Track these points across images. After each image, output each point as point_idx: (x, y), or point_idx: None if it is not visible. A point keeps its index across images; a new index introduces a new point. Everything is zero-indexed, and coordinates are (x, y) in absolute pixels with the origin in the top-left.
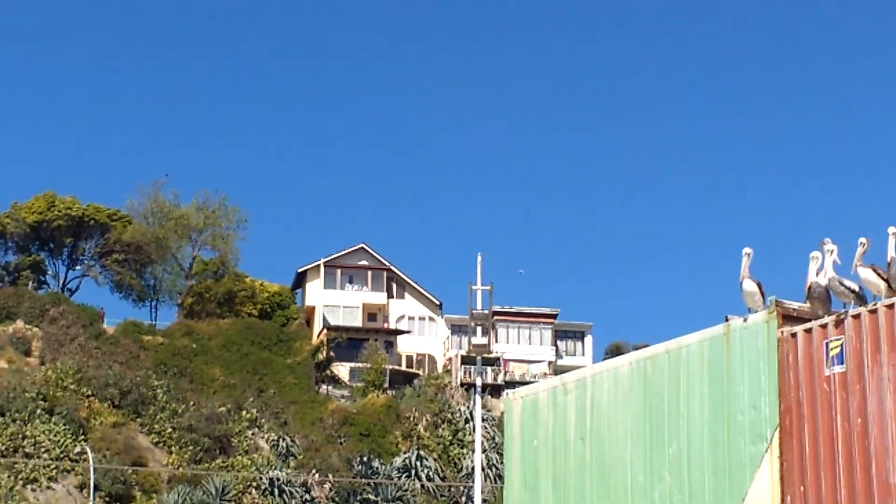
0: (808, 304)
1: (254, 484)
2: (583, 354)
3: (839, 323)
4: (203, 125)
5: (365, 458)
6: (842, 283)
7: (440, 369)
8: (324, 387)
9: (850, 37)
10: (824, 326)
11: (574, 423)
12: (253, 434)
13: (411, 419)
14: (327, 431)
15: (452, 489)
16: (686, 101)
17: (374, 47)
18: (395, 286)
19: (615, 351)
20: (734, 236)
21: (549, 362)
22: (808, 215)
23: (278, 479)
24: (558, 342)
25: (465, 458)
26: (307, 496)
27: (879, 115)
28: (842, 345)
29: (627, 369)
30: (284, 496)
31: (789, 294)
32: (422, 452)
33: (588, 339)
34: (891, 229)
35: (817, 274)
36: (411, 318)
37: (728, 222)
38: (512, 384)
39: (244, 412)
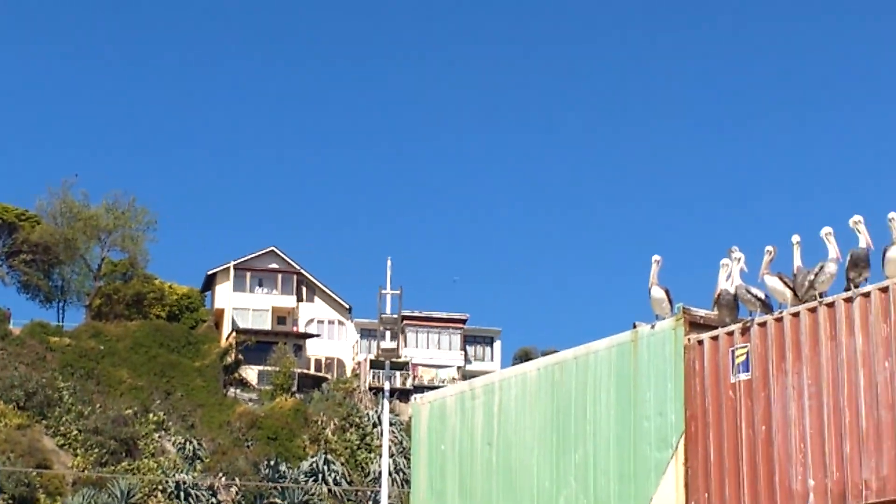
0: (715, 312)
1: (160, 487)
2: (492, 360)
3: (745, 331)
4: (113, 125)
5: (272, 462)
6: (749, 291)
7: (349, 373)
8: (232, 390)
9: (736, 49)
10: (731, 334)
11: (481, 428)
12: (159, 437)
13: (319, 423)
14: (234, 435)
15: (359, 493)
16: (592, 106)
17: (279, 45)
18: (304, 289)
19: (524, 356)
20: (644, 243)
21: (458, 367)
22: (717, 223)
23: (184, 483)
24: (467, 347)
25: (372, 463)
26: (213, 500)
27: (789, 122)
28: (747, 352)
29: (535, 375)
30: (191, 499)
31: (697, 301)
32: (329, 457)
33: (497, 345)
34: (795, 238)
35: (727, 281)
36: (321, 322)
37: (638, 229)
38: (421, 389)
39: (151, 415)
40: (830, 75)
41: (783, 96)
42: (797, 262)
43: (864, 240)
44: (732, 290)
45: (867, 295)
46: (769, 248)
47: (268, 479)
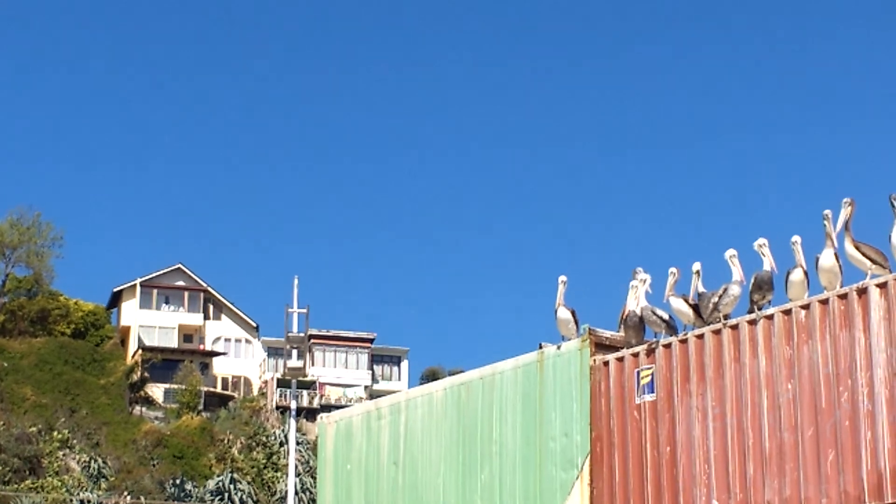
0: (621, 333)
1: None
2: (399, 379)
3: (650, 352)
4: (16, 138)
5: (178, 481)
6: (654, 313)
7: (256, 392)
8: (137, 408)
9: (623, 79)
10: (636, 355)
11: (387, 447)
12: (64, 455)
13: (226, 442)
14: (140, 453)
15: None
16: (496, 126)
17: (181, 55)
18: (211, 307)
19: (431, 376)
20: (550, 263)
21: (366, 386)
22: (624, 244)
23: (89, 502)
24: (375, 366)
25: (279, 482)
26: None
27: (691, 143)
28: (652, 374)
29: (442, 395)
30: None
31: (603, 323)
32: (235, 475)
33: (404, 364)
34: (695, 267)
35: (634, 303)
36: (227, 340)
37: (544, 249)
38: (328, 408)
39: (55, 433)
40: (728, 97)
41: (685, 117)
42: (700, 288)
43: (767, 262)
44: (638, 312)
45: (770, 317)
46: (673, 269)
47: (173, 498)
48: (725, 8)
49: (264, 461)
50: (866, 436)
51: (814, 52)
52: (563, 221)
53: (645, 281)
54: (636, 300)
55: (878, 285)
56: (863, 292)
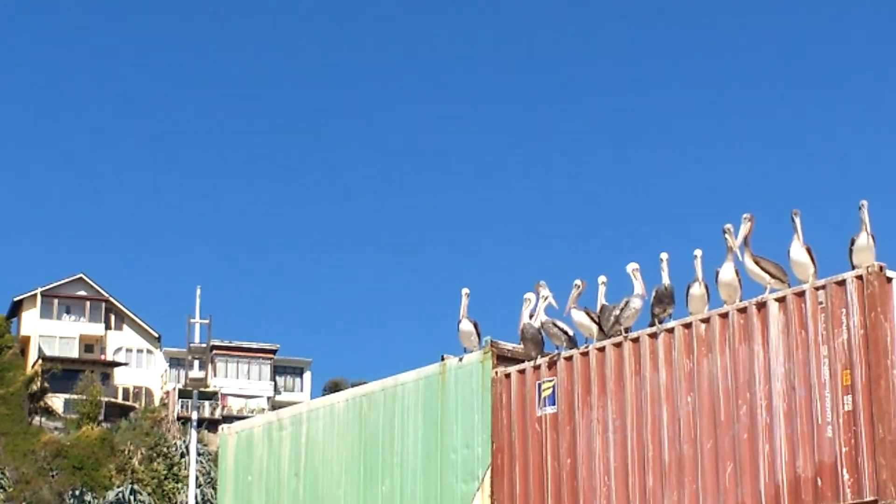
0: (522, 346)
1: None
2: (301, 390)
3: (552, 365)
4: None
5: (77, 492)
6: (555, 325)
7: (157, 403)
8: (37, 418)
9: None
10: (537, 368)
11: (289, 458)
12: None
13: (126, 453)
14: (39, 464)
15: None
16: (391, 137)
17: (78, 62)
18: (113, 317)
19: (334, 387)
20: (455, 276)
21: (268, 397)
22: (527, 258)
23: None
24: (277, 378)
25: (180, 493)
26: None
27: (598, 151)
28: (553, 386)
29: (343, 406)
30: None
31: (506, 335)
32: (136, 486)
33: (307, 375)
34: (601, 279)
35: (531, 316)
36: (129, 351)
37: (447, 261)
38: (230, 419)
39: None
40: (630, 110)
41: (591, 128)
42: (602, 300)
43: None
44: (537, 325)
45: (671, 331)
46: (577, 282)
47: None
48: (615, 27)
49: (165, 472)
50: (764, 448)
51: (716, 66)
52: (466, 233)
53: (546, 298)
54: (537, 313)
55: (776, 300)
56: (762, 306)
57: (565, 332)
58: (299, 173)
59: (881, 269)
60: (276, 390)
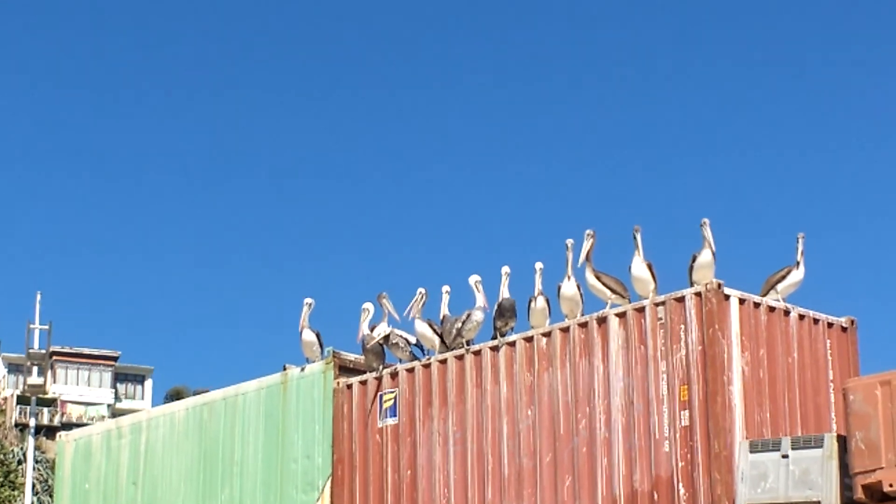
0: (364, 357)
1: None
2: (143, 398)
3: (394, 376)
4: None
5: None
6: (398, 337)
7: None
8: None
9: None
10: (379, 379)
11: (127, 467)
12: None
13: None
14: None
15: None
16: (231, 152)
17: None
18: None
19: (175, 395)
20: (299, 285)
21: (109, 405)
22: (371, 268)
23: None
24: (119, 385)
25: (16, 501)
26: None
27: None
28: (395, 397)
29: (184, 414)
30: None
31: (349, 346)
32: None
33: (148, 383)
34: (445, 288)
35: (371, 328)
36: None
37: (290, 270)
38: (69, 426)
39: None
40: (477, 124)
41: (435, 137)
42: (444, 310)
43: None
44: (378, 336)
45: (513, 344)
46: (421, 290)
47: None
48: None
49: (1, 480)
50: (602, 462)
51: (555, 77)
52: (308, 242)
53: (387, 313)
54: (381, 324)
55: (617, 315)
56: (602, 321)
57: (408, 344)
58: (145, 174)
59: (719, 286)
60: (117, 398)
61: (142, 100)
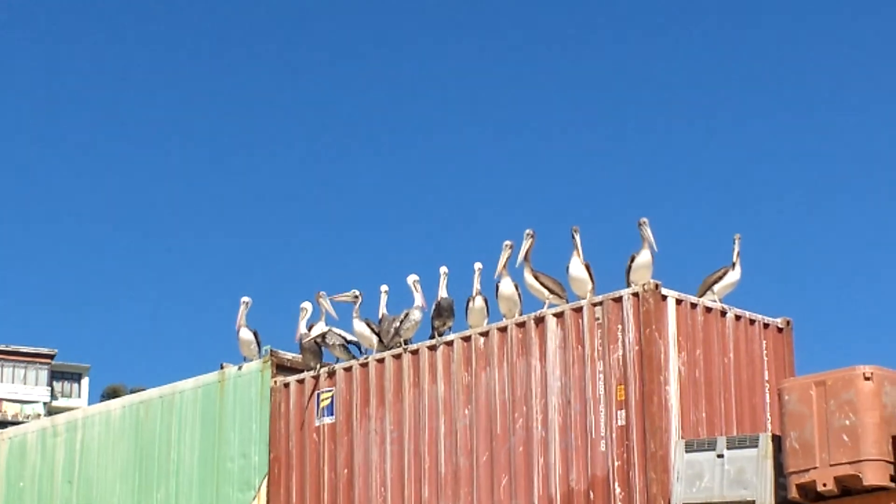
0: (301, 356)
1: None
2: (80, 396)
3: (331, 375)
4: None
5: None
6: (336, 336)
7: None
8: None
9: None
10: (317, 378)
11: (62, 465)
12: None
13: None
14: None
15: None
16: (186, 135)
17: None
18: None
19: (112, 394)
20: (236, 283)
21: (45, 403)
22: (308, 267)
23: None
24: (55, 383)
25: None
26: None
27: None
28: (332, 397)
29: (120, 413)
30: None
31: (286, 344)
32: None
33: (85, 381)
34: (383, 287)
35: (309, 327)
36: None
37: (231, 268)
38: (4, 424)
39: None
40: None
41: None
42: (382, 309)
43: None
44: (317, 334)
45: (451, 343)
46: (356, 291)
47: None
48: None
49: None
50: (539, 462)
51: (487, 69)
52: (246, 241)
53: (325, 311)
54: (319, 323)
55: (555, 315)
56: (540, 321)
57: (345, 342)
58: (78, 169)
59: (657, 286)
60: (53, 396)
61: (48, 94)
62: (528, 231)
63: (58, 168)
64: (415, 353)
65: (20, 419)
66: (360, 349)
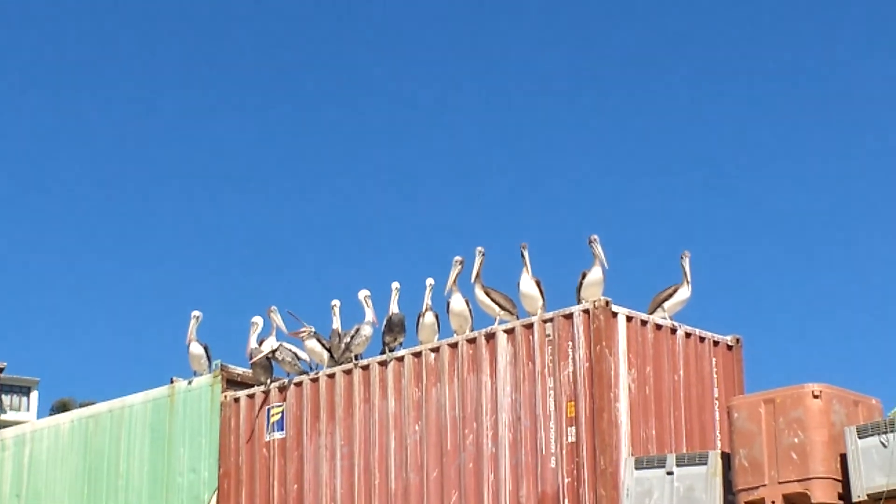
0: (252, 371)
1: None
2: (28, 410)
3: (282, 390)
4: None
5: None
6: (286, 351)
7: None
8: None
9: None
10: (267, 393)
11: (10, 479)
12: None
13: None
14: None
15: None
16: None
17: None
18: None
19: (62, 407)
20: (186, 298)
21: None
22: (260, 281)
23: None
24: (3, 396)
25: None
26: None
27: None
28: (283, 412)
29: (69, 427)
30: None
31: (237, 359)
32: None
33: (34, 395)
34: (334, 302)
35: (260, 342)
36: None
37: (181, 282)
38: None
39: None
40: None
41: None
42: (336, 324)
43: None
44: (266, 350)
45: (401, 359)
46: (311, 329)
47: None
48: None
49: None
50: (489, 478)
51: (451, 93)
52: (196, 254)
53: (276, 326)
54: (270, 338)
55: (505, 331)
56: (491, 337)
57: (296, 358)
58: (30, 179)
59: (607, 303)
60: (2, 409)
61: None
62: (479, 248)
63: (3, 180)
64: (365, 368)
65: None
66: (310, 365)
